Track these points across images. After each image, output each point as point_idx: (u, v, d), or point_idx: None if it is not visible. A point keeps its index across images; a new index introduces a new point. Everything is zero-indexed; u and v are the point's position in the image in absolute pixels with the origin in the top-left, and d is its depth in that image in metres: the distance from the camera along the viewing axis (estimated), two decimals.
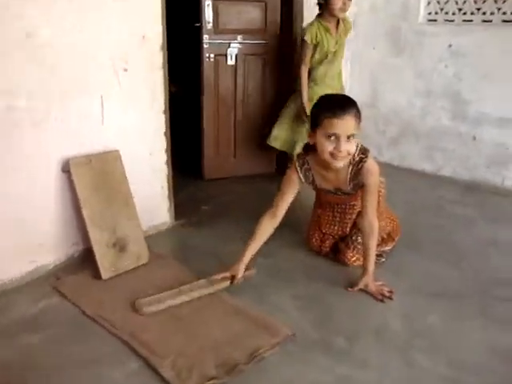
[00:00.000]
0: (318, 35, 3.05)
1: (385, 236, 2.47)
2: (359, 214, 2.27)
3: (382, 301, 2.07)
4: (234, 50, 3.40)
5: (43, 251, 2.21)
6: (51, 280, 2.18)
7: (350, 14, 3.24)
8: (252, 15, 3.42)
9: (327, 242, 2.45)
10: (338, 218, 2.40)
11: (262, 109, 3.60)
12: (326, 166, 2.04)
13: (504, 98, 3.27)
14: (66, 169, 2.16)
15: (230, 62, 3.41)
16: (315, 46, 3.08)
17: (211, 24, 3.28)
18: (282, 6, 3.47)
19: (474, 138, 3.44)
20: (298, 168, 2.13)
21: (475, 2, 3.34)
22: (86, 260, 2.28)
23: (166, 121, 2.58)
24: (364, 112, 2.08)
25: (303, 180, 2.14)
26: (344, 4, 2.95)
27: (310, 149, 2.09)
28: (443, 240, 2.69)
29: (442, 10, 3.51)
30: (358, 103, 1.96)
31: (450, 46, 3.45)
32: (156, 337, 1.82)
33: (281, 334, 1.85)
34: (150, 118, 2.51)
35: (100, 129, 2.29)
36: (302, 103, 3.13)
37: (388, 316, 1.99)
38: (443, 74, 3.53)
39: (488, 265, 2.43)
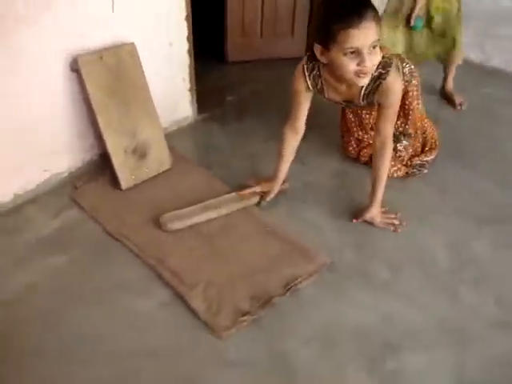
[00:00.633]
0: None
1: (426, 147, 2.23)
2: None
3: (395, 231, 1.89)
4: None
5: (57, 158, 2.02)
6: (68, 189, 2.03)
7: None
8: None
9: (365, 150, 2.21)
10: (358, 123, 2.14)
11: None
12: (340, 78, 1.68)
13: None
14: (74, 67, 1.86)
15: None
16: None
17: None
18: None
19: None
20: (307, 72, 1.74)
21: None
22: (103, 166, 2.09)
23: (187, 5, 2.18)
24: None
25: (311, 87, 1.77)
26: None
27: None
28: (492, 150, 2.41)
29: None
30: None
31: None
32: (183, 261, 1.70)
33: (318, 260, 1.73)
34: (170, 1, 2.11)
35: (110, 17, 1.93)
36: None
37: (433, 243, 1.83)
38: None
39: None
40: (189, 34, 2.27)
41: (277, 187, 1.97)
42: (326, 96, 1.83)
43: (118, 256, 1.75)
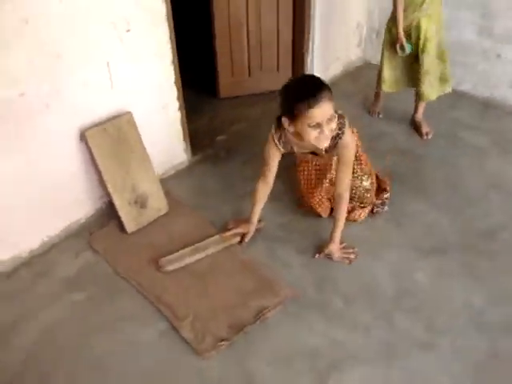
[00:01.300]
0: None
1: (381, 187, 2.59)
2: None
3: (349, 263, 2.26)
4: None
5: (74, 209, 2.47)
6: (85, 234, 2.48)
7: None
8: None
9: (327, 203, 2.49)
10: (317, 176, 2.45)
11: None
12: (305, 139, 2.02)
13: None
14: (83, 138, 2.30)
15: None
16: None
17: None
18: None
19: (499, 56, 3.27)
20: (277, 141, 2.14)
21: None
22: (111, 212, 2.52)
23: (175, 70, 2.59)
24: None
25: (282, 150, 2.18)
26: None
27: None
28: (451, 180, 2.72)
29: None
30: None
31: None
32: (176, 298, 2.13)
33: (283, 293, 2.14)
34: (159, 72, 2.53)
35: (110, 92, 2.36)
36: (397, 33, 2.81)
37: (380, 274, 2.22)
38: None
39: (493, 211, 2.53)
40: (178, 94, 2.67)
41: (253, 228, 2.39)
42: (296, 152, 2.24)
43: (125, 292, 2.19)
